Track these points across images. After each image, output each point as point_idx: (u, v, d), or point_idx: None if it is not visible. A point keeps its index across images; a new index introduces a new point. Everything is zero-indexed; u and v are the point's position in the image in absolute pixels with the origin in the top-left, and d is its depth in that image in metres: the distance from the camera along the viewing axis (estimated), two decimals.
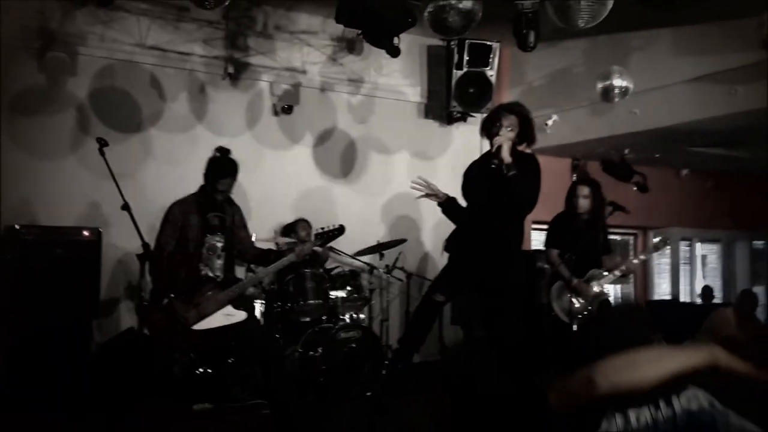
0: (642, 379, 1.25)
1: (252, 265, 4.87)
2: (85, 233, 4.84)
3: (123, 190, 3.65)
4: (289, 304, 5.02)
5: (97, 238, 4.87)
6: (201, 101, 5.83)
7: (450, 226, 4.13)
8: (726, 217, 8.96)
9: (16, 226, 4.64)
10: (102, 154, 3.69)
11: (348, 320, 5.22)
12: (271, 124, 6.15)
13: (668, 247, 5.14)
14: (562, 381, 1.39)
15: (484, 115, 6.69)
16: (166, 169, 5.59)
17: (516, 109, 3.80)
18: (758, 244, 9.98)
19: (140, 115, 5.56)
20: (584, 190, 4.83)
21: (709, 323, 5.66)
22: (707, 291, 8.56)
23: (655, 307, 8.43)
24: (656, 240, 5.14)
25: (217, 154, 3.89)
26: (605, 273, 4.79)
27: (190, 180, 5.39)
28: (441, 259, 4.13)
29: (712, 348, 1.31)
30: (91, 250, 4.84)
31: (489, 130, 3.75)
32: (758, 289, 8.76)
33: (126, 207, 3.61)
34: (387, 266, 5.68)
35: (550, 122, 6.65)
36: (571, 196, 4.88)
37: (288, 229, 5.68)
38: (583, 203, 4.82)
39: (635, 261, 5.12)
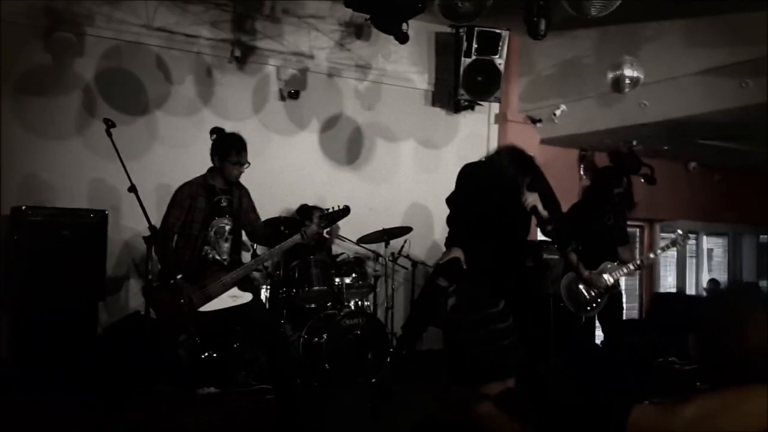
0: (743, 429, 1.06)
1: (255, 246, 4.84)
2: (91, 215, 4.84)
3: (129, 173, 3.63)
4: (294, 290, 5.02)
5: (103, 220, 4.86)
6: (207, 84, 5.79)
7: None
8: (733, 211, 8.92)
9: (23, 207, 4.62)
10: (109, 135, 3.68)
11: (353, 307, 5.21)
12: (278, 109, 6.12)
13: (689, 243, 4.93)
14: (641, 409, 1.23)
15: (493, 104, 6.72)
16: (172, 152, 5.57)
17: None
18: (765, 238, 9.94)
19: (146, 97, 5.53)
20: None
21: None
22: (713, 284, 8.55)
23: (661, 300, 8.43)
24: (676, 234, 4.94)
25: (223, 132, 3.85)
26: (617, 265, 4.72)
27: (196, 163, 5.36)
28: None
29: None
30: (97, 232, 4.83)
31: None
32: (765, 283, 8.74)
33: (133, 189, 3.60)
34: (392, 254, 5.67)
35: (558, 112, 6.60)
36: (617, 187, 4.60)
37: (301, 214, 5.54)
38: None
39: (651, 255, 5.07)
